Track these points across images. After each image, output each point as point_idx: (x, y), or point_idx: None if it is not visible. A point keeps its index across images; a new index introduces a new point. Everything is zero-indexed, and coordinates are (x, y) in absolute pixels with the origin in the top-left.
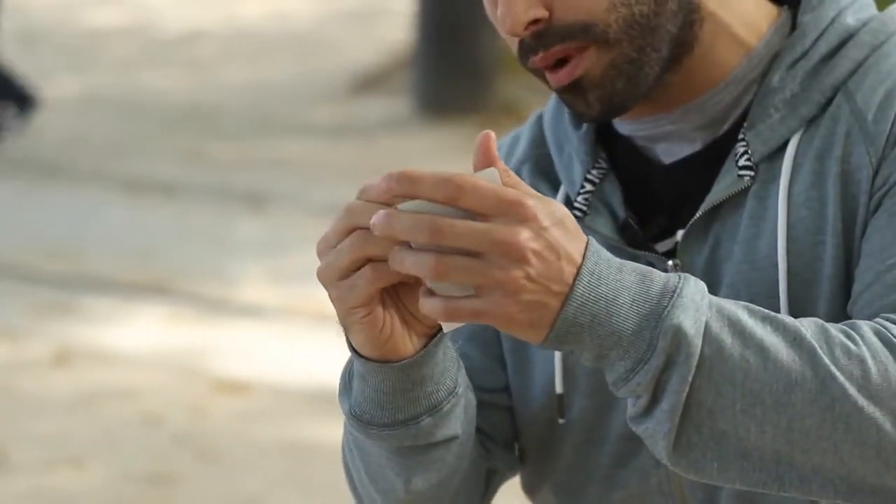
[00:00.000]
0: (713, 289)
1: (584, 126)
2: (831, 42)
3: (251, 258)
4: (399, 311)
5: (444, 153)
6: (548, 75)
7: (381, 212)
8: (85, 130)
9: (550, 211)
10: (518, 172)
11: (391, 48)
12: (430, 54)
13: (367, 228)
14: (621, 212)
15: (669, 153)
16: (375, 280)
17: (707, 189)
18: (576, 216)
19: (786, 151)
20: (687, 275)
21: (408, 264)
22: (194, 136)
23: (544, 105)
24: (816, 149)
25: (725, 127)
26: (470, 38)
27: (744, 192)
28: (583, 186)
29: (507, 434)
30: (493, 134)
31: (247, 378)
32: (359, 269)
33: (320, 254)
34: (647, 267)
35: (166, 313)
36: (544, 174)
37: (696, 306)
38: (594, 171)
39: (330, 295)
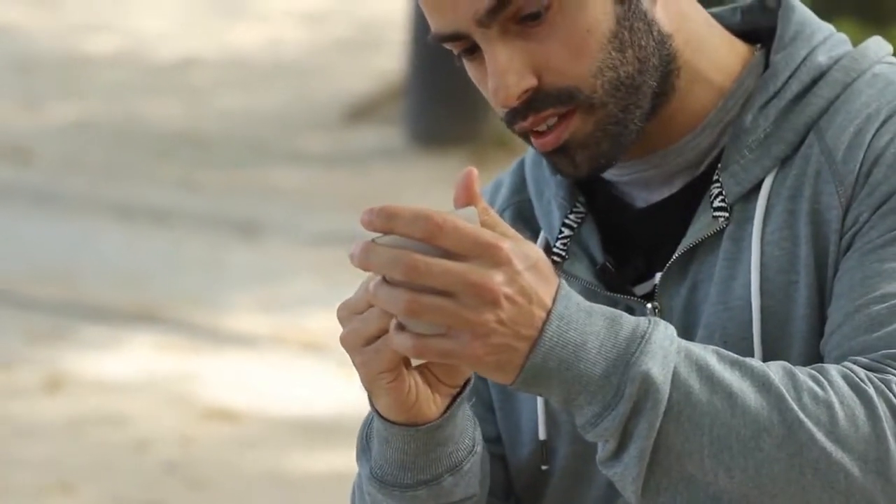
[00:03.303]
0: (691, 330)
1: None
2: (803, 81)
3: (243, 286)
4: (423, 373)
5: (436, 183)
6: (533, 140)
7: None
8: (78, 156)
9: (525, 254)
10: None
11: (385, 78)
12: (423, 84)
13: None
14: (599, 256)
15: (648, 196)
16: None
17: (684, 231)
18: (555, 262)
19: (760, 192)
20: (657, 319)
21: (381, 299)
22: (187, 164)
23: None
24: (789, 188)
25: (702, 168)
26: (463, 68)
27: (719, 234)
28: (561, 231)
29: (506, 485)
30: (475, 171)
31: (237, 406)
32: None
33: (342, 320)
34: (617, 311)
35: (157, 341)
36: (525, 220)
37: (665, 352)
38: (572, 216)
39: (354, 361)
